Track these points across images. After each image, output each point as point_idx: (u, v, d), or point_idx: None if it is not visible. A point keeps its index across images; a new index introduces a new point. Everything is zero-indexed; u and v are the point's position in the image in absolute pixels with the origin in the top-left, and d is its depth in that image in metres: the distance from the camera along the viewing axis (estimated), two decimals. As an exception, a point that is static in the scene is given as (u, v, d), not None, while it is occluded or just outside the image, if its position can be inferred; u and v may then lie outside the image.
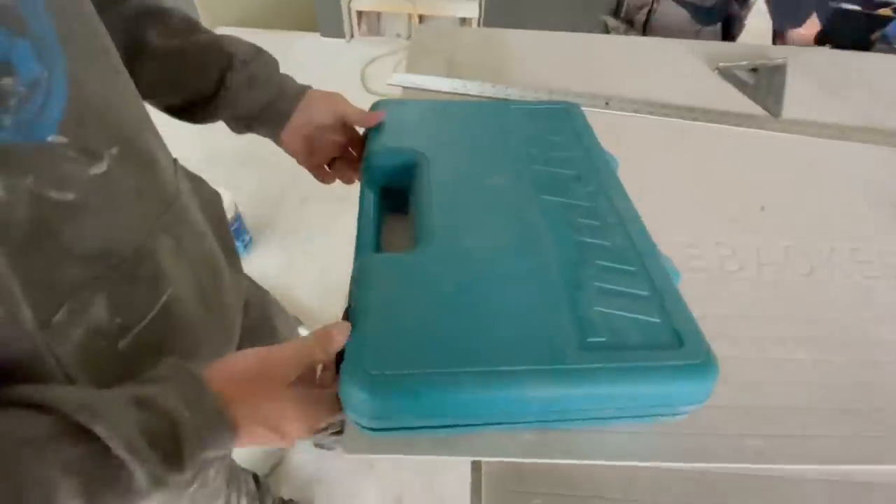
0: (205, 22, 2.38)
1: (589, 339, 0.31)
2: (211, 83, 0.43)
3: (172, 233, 0.35)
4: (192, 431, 0.25)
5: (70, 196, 0.27)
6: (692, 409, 0.33)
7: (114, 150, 0.29)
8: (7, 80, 0.23)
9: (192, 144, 1.58)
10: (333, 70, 2.06)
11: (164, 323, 0.34)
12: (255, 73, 0.44)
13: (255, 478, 0.92)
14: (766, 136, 0.67)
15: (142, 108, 0.35)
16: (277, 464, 1.02)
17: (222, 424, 0.26)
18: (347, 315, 0.32)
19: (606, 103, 0.69)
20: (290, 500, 0.98)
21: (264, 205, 1.51)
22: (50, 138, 0.25)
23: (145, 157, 0.33)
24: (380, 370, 0.28)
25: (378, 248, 0.41)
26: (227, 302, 0.44)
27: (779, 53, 0.81)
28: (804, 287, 0.48)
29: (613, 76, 0.75)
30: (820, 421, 0.37)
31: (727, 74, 0.77)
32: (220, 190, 1.31)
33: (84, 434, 0.23)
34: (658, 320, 0.33)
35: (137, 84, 0.41)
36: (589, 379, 0.30)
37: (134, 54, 0.40)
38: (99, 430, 0.23)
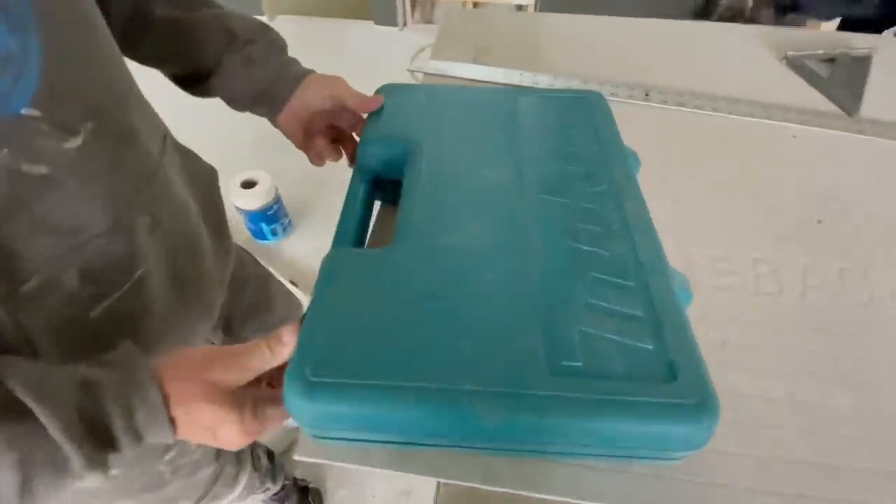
0: (266, 10, 2.47)
1: (562, 363, 0.27)
2: (208, 61, 0.43)
3: (150, 209, 0.35)
4: (126, 425, 0.25)
5: (43, 170, 0.27)
6: (685, 454, 0.28)
7: (89, 125, 0.29)
8: None
9: (243, 128, 1.64)
10: (385, 57, 2.06)
11: (136, 296, 0.35)
12: (253, 55, 0.43)
13: (270, 455, 0.94)
14: (836, 136, 0.57)
15: (126, 82, 0.34)
16: (293, 443, 1.04)
17: (160, 421, 0.26)
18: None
19: (646, 94, 0.63)
20: (303, 480, 1.00)
21: (305, 190, 1.54)
22: (23, 111, 0.25)
23: (125, 131, 0.33)
24: (320, 376, 0.26)
25: (358, 242, 0.38)
26: (206, 279, 0.44)
27: (864, 43, 0.69)
28: (859, 319, 0.40)
29: (660, 65, 0.67)
30: (855, 484, 0.31)
31: (797, 65, 0.67)
32: (262, 174, 1.35)
33: (29, 412, 0.23)
34: (650, 347, 0.28)
35: (139, 52, 0.41)
36: (554, 409, 0.26)
37: (137, 22, 0.41)
38: (39, 411, 0.23)
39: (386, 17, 2.18)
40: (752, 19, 1.20)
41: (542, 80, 0.64)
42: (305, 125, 0.46)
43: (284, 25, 2.40)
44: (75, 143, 0.28)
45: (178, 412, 0.26)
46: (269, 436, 1.02)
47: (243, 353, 0.28)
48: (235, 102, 0.45)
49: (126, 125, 0.33)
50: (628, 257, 0.32)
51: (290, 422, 0.31)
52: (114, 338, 0.32)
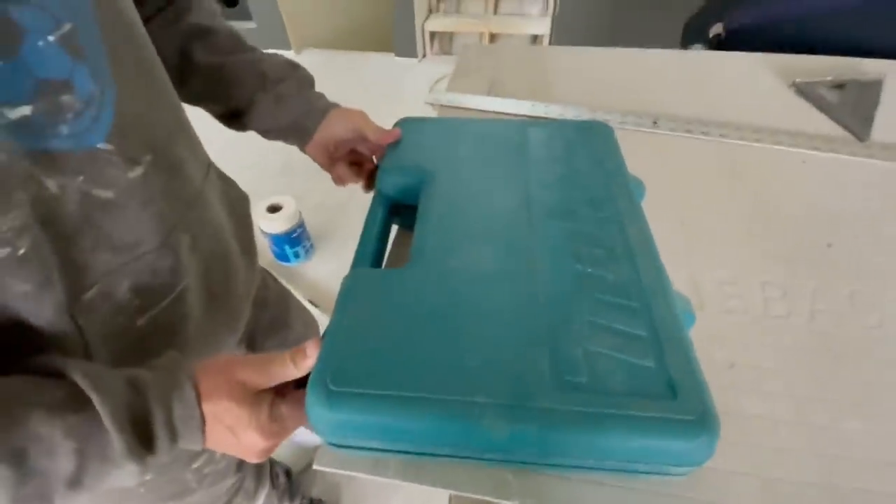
0: (293, 44, 2.59)
1: (567, 378, 0.29)
2: (244, 100, 0.47)
3: (191, 230, 0.39)
4: (165, 420, 0.28)
5: (110, 194, 0.32)
6: (685, 470, 0.29)
7: (148, 157, 0.34)
8: (67, 97, 0.27)
9: (270, 157, 1.72)
10: (404, 87, 2.14)
11: (177, 308, 0.38)
12: (283, 93, 0.47)
13: (288, 473, 0.96)
14: (846, 161, 0.58)
15: (178, 120, 0.39)
16: (311, 463, 1.05)
17: (193, 418, 0.29)
18: None
19: (654, 122, 0.65)
20: (319, 500, 1.01)
21: (328, 215, 1.59)
22: (99, 145, 0.30)
23: (174, 163, 0.37)
24: (339, 386, 0.28)
25: (376, 263, 0.41)
26: (235, 295, 0.47)
27: (875, 68, 0.70)
28: (868, 342, 0.40)
29: (668, 93, 0.70)
30: (861, 507, 0.31)
31: (805, 91, 0.68)
32: (287, 199, 1.41)
33: (85, 404, 0.27)
34: (651, 365, 0.29)
35: (187, 93, 0.47)
36: (558, 422, 0.27)
37: (184, 68, 0.46)
38: (96, 399, 0.27)
39: (406, 48, 2.27)
40: None
41: (554, 111, 0.67)
42: (330, 152, 0.50)
43: (311, 58, 2.52)
44: (137, 172, 0.33)
45: (207, 408, 0.29)
46: (287, 454, 1.04)
47: (271, 361, 0.31)
48: (269, 133, 0.50)
49: (176, 157, 0.37)
50: (631, 279, 0.34)
51: (308, 439, 0.33)
52: (155, 345, 0.37)
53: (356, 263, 0.39)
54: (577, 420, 0.27)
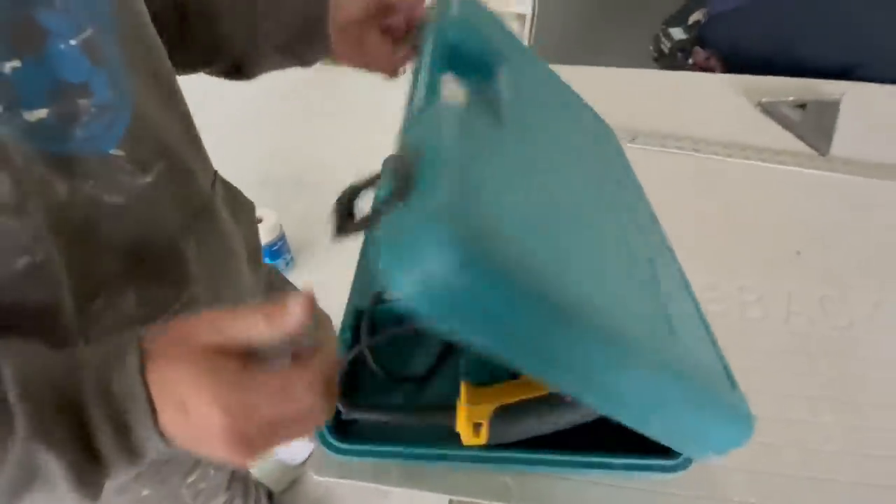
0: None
1: (675, 340, 0.26)
2: (243, 25, 0.41)
3: (198, 238, 0.39)
4: (105, 412, 0.22)
5: (120, 200, 0.31)
6: (711, 456, 0.29)
7: (160, 165, 0.33)
8: (84, 101, 0.27)
9: (248, 169, 1.70)
10: (381, 104, 2.16)
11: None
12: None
13: (270, 495, 0.93)
14: (810, 175, 0.62)
15: (187, 128, 0.39)
16: (294, 482, 1.02)
17: (135, 399, 0.22)
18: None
19: (633, 138, 0.68)
20: (302, 521, 0.98)
21: (308, 228, 1.58)
22: (112, 151, 0.30)
23: (184, 170, 0.37)
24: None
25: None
26: (241, 303, 0.46)
27: (834, 89, 0.76)
28: (840, 342, 0.43)
29: (645, 111, 0.73)
30: (841, 497, 0.33)
31: (770, 110, 0.73)
32: (267, 211, 1.39)
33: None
34: (714, 353, 0.31)
35: (192, 57, 0.42)
36: (666, 376, 0.23)
37: (180, 25, 0.40)
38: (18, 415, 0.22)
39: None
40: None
41: (537, 125, 0.69)
42: (356, 41, 0.40)
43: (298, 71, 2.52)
44: (147, 179, 0.32)
45: (152, 376, 0.22)
46: (267, 473, 1.01)
47: (233, 315, 0.23)
48: (283, 52, 0.42)
49: (186, 165, 0.37)
50: (676, 274, 0.35)
51: (291, 456, 0.31)
52: None
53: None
54: (677, 375, 0.24)
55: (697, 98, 0.76)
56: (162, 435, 0.23)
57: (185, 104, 0.38)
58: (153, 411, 0.22)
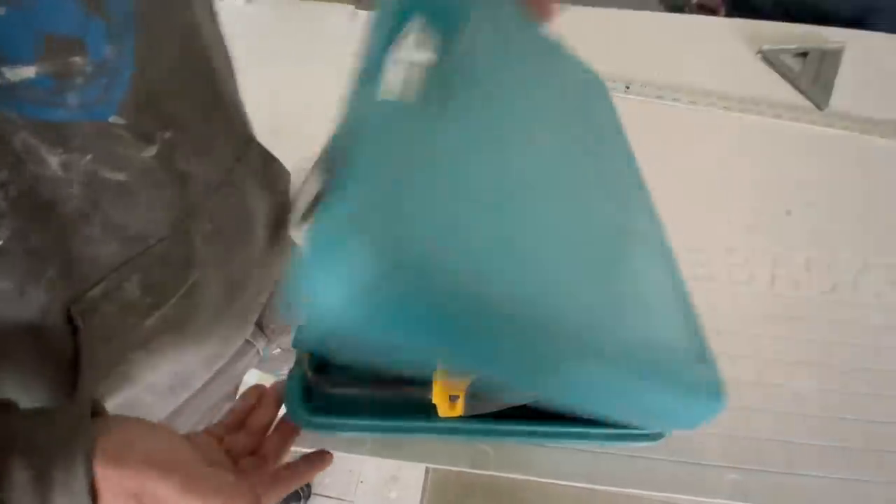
0: (243, -9, 2.35)
1: (625, 323, 0.26)
2: None
3: (211, 217, 0.35)
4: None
5: (122, 177, 0.27)
6: (679, 430, 0.30)
7: (166, 135, 0.29)
8: (78, 59, 0.23)
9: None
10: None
11: (187, 303, 0.34)
12: None
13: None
14: (807, 130, 0.60)
15: (214, 92, 0.34)
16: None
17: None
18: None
19: (627, 87, 0.64)
20: (291, 468, 1.02)
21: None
22: (111, 119, 0.25)
23: (199, 141, 0.32)
24: (396, 248, 0.17)
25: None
26: (250, 289, 0.43)
27: (838, 36, 0.71)
28: (822, 306, 0.43)
29: (640, 57, 0.68)
30: (811, 459, 0.33)
31: (771, 59, 0.69)
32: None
33: None
34: (684, 325, 0.29)
35: None
36: (614, 364, 0.24)
37: None
38: None
39: (367, 1, 2.14)
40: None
41: (526, 72, 0.65)
42: None
43: (261, 10, 2.34)
44: (150, 152, 0.28)
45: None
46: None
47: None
48: None
49: (203, 134, 0.32)
50: (656, 240, 0.33)
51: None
52: (160, 345, 0.33)
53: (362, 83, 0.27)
54: (627, 365, 0.24)
55: (696, 44, 0.72)
56: None
57: (214, 59, 0.33)
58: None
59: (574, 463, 0.32)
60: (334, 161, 0.20)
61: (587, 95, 0.42)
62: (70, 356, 0.29)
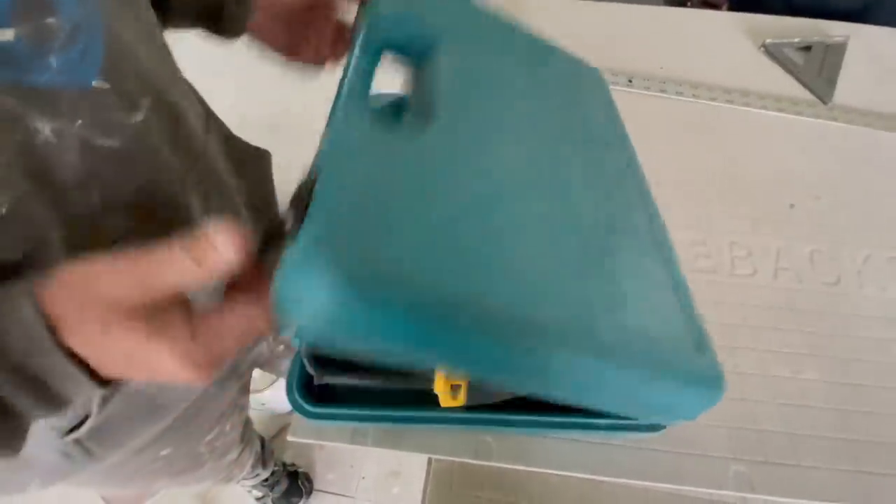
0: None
1: (618, 314, 0.25)
2: None
3: (201, 186, 0.35)
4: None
5: (115, 143, 0.27)
6: (680, 422, 0.29)
7: (147, 101, 0.29)
8: (52, 20, 0.23)
9: (225, 111, 1.61)
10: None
11: None
12: None
13: (262, 441, 0.95)
14: (811, 123, 0.59)
15: (171, 64, 0.34)
16: (283, 428, 1.05)
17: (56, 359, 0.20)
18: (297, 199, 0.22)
19: (630, 81, 0.64)
20: (292, 465, 1.02)
21: (285, 174, 1.52)
22: (94, 83, 0.25)
23: (174, 109, 0.33)
24: (365, 265, 0.17)
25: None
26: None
27: (841, 30, 0.71)
28: (826, 298, 0.42)
29: (643, 51, 0.68)
30: (816, 451, 0.33)
31: (774, 53, 0.68)
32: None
33: None
34: (682, 316, 0.29)
35: (174, 16, 0.38)
36: (614, 358, 0.23)
37: None
38: None
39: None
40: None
41: (528, 66, 0.65)
42: (286, 23, 0.38)
43: None
44: (138, 117, 0.28)
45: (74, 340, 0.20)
46: (258, 421, 1.03)
47: (148, 260, 0.20)
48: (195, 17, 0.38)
49: (175, 103, 0.33)
50: (651, 228, 0.33)
51: (280, 406, 0.31)
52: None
53: (340, 117, 0.30)
54: (622, 356, 0.24)
55: (699, 38, 0.71)
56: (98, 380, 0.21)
57: (161, 35, 0.34)
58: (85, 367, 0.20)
59: (577, 454, 0.32)
60: (312, 186, 0.20)
61: (579, 90, 0.41)
62: None
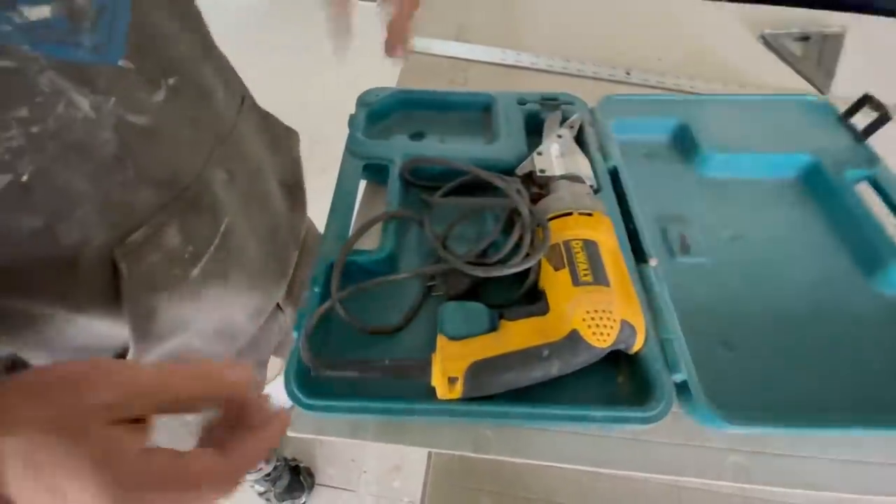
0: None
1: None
2: None
3: (225, 165, 0.36)
4: None
5: (145, 120, 0.28)
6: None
7: (170, 81, 0.30)
8: (80, 1, 0.24)
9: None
10: (365, 32, 2.01)
11: (225, 252, 0.36)
12: None
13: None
14: (809, 115, 0.59)
15: (203, 45, 0.35)
16: (283, 424, 1.05)
17: None
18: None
19: (628, 73, 0.63)
20: (294, 460, 1.02)
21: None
22: (121, 62, 0.26)
23: (202, 89, 0.34)
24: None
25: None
26: (281, 239, 0.45)
27: (838, 21, 0.71)
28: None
29: (641, 42, 0.68)
30: (814, 441, 0.33)
31: (772, 43, 0.68)
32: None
33: None
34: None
35: None
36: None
37: None
38: None
39: (365, -8, 2.12)
40: None
41: (525, 59, 0.64)
42: None
43: (259, 2, 2.32)
44: (160, 96, 0.29)
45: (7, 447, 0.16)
46: (258, 417, 1.03)
47: (132, 368, 0.17)
48: None
49: (202, 83, 0.34)
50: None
51: (280, 400, 0.31)
52: (207, 298, 0.35)
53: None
54: None
55: (698, 28, 0.71)
56: None
57: (198, 15, 0.35)
58: None
59: (576, 446, 0.32)
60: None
61: None
62: (108, 302, 0.30)
